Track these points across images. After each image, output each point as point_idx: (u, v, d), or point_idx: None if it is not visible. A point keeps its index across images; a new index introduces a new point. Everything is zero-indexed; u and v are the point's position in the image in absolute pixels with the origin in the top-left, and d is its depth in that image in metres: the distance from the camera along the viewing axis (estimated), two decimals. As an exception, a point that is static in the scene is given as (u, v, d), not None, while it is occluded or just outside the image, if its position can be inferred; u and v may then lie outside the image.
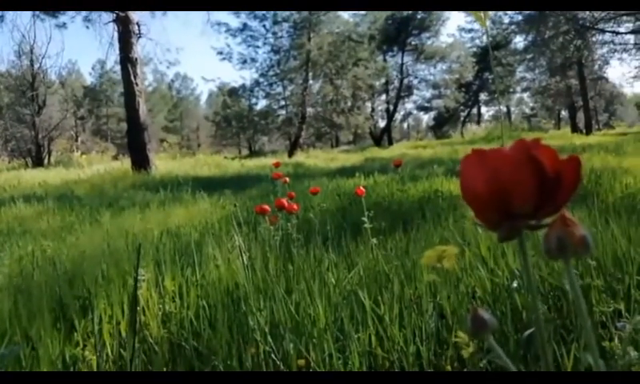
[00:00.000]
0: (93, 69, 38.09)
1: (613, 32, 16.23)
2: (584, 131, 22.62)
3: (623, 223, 1.88)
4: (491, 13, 19.45)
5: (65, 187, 8.04)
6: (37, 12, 12.78)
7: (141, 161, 10.93)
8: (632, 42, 16.77)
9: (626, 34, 16.20)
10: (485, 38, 22.98)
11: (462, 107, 33.89)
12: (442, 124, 35.20)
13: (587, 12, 16.02)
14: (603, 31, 16.18)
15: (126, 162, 13.19)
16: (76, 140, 30.09)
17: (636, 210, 2.42)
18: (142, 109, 11.24)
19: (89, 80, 38.92)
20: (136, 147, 11.25)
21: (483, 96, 34.76)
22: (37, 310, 1.52)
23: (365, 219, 2.02)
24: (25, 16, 37.00)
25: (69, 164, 17.79)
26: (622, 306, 1.28)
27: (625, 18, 15.26)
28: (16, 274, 2.21)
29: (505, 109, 37.95)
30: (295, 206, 2.14)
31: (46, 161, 22.71)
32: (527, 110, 39.25)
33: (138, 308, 1.51)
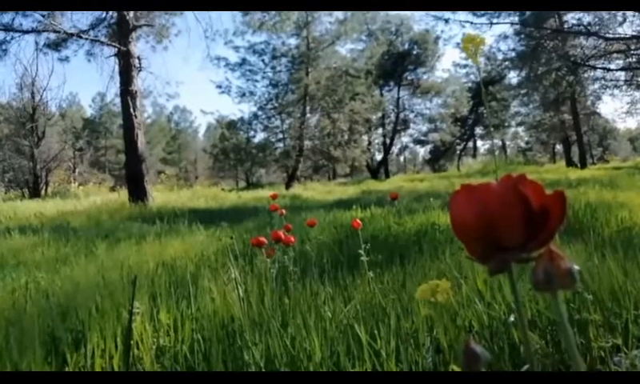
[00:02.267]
0: (93, 101, 38.58)
1: (604, 69, 16.60)
2: (579, 165, 22.84)
3: (619, 257, 1.88)
4: (485, 49, 19.94)
5: (61, 218, 8.01)
6: (40, 45, 13.02)
7: (138, 192, 10.93)
8: (622, 78, 17.15)
9: (616, 70, 16.58)
10: (479, 73, 23.46)
11: (457, 141, 34.28)
12: (438, 157, 35.51)
13: (578, 49, 16.45)
14: (594, 68, 16.56)
15: (123, 194, 13.19)
16: (74, 171, 30.15)
17: (632, 244, 2.43)
18: (141, 141, 11.32)
19: (89, 112, 39.34)
20: (134, 179, 11.28)
21: (479, 130, 35.23)
22: (28, 344, 1.50)
23: (361, 252, 2.02)
24: (28, 49, 37.66)
25: (66, 195, 17.77)
26: (619, 341, 1.27)
27: (615, 55, 15.64)
28: (8, 307, 2.18)
29: (500, 143, 38.40)
30: (292, 239, 2.14)
31: (43, 192, 22.68)
32: (522, 144, 39.69)
33: (132, 342, 1.49)
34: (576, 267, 0.36)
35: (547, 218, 0.35)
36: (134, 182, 11.22)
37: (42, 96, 24.09)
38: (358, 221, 2.30)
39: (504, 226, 0.34)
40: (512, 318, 1.34)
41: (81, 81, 65.69)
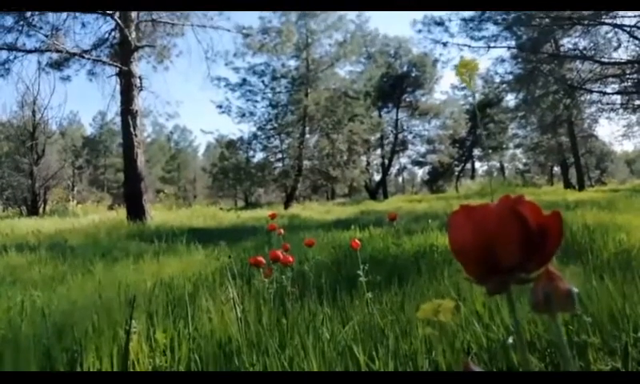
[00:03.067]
0: (93, 120, 38.82)
1: (600, 92, 16.79)
2: (576, 187, 22.90)
3: (618, 280, 1.88)
4: (483, 72, 20.15)
5: (58, 236, 7.97)
6: (42, 65, 13.15)
7: (136, 211, 10.92)
8: (619, 101, 17.32)
9: (612, 94, 16.76)
10: (477, 95, 23.72)
11: (455, 162, 34.44)
12: (437, 178, 35.62)
13: (574, 72, 16.65)
14: (590, 91, 16.74)
15: (121, 212, 13.16)
16: (72, 189, 30.12)
17: (630, 267, 2.42)
18: (140, 159, 11.36)
19: (89, 130, 39.54)
20: (132, 197, 11.28)
21: (477, 151, 35.42)
22: (23, 363, 1.48)
23: (360, 273, 2.01)
24: (30, 68, 37.97)
25: (64, 213, 17.72)
26: (619, 365, 1.26)
27: (610, 79, 15.83)
28: (3, 326, 2.16)
29: (498, 164, 38.60)
30: (290, 259, 2.14)
31: (41, 210, 22.62)
32: (520, 166, 39.93)
33: (128, 361, 1.48)
34: (575, 289, 0.37)
35: (545, 239, 0.35)
36: (133, 200, 11.22)
37: (42, 114, 24.22)
38: (357, 241, 2.30)
39: (502, 246, 0.34)
40: (510, 340, 1.34)
41: (82, 100, 66.23)
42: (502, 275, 0.36)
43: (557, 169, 33.67)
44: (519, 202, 0.36)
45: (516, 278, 0.37)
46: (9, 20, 11.34)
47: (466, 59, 1.03)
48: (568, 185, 25.03)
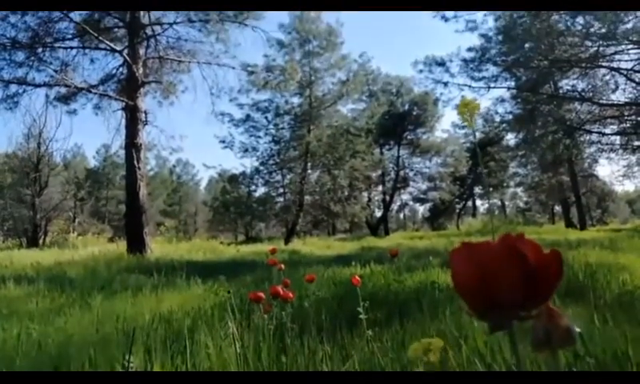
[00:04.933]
0: (97, 152, 39.12)
1: (599, 133, 16.97)
2: (578, 226, 22.83)
3: (621, 321, 1.86)
4: (483, 111, 20.43)
5: (57, 268, 7.92)
6: (50, 98, 13.40)
7: (137, 243, 10.89)
8: (618, 142, 17.48)
9: (611, 135, 16.94)
10: (477, 134, 23.98)
11: (457, 200, 34.49)
12: (438, 215, 35.60)
13: (574, 113, 16.88)
14: (590, 132, 16.93)
15: (121, 245, 13.12)
16: (73, 221, 30.11)
17: (634, 307, 2.40)
18: (142, 192, 11.41)
19: (92, 163, 39.82)
20: (133, 230, 11.27)
21: (478, 189, 35.52)
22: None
23: (360, 310, 2.00)
24: (38, 102, 38.63)
25: (64, 245, 17.66)
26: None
27: (609, 120, 16.04)
28: (-2, 358, 2.13)
29: (499, 202, 38.63)
30: (290, 294, 2.12)
31: (41, 241, 22.56)
32: (521, 204, 39.93)
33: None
34: (577, 329, 0.37)
35: (545, 277, 0.36)
36: (134, 232, 11.21)
37: (47, 146, 24.50)
38: (357, 277, 2.29)
39: (503, 284, 0.35)
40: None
41: (86, 132, 67.03)
42: (502, 312, 0.37)
43: (558, 208, 33.66)
44: (520, 241, 0.37)
45: (517, 315, 0.38)
46: (20, 55, 11.65)
47: (466, 99, 1.06)
48: (569, 224, 24.96)
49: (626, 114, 15.34)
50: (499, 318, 0.37)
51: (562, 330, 0.37)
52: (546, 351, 0.37)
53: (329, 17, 24.21)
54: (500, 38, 15.40)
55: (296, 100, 23.95)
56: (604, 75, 15.45)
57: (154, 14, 12.86)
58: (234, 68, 14.11)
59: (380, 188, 31.06)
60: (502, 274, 0.36)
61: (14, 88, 11.87)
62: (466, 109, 1.04)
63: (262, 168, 24.30)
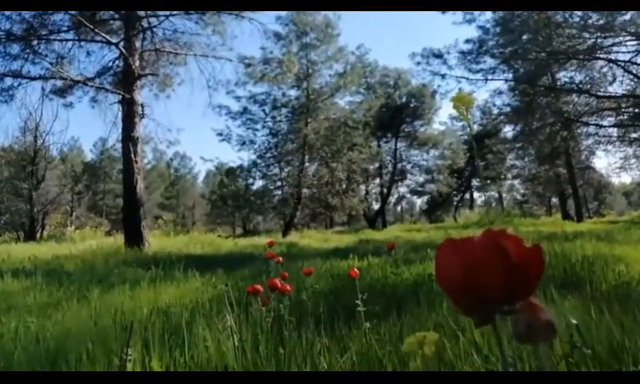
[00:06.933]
0: (94, 146, 39.05)
1: (596, 125, 17.00)
2: (575, 218, 22.91)
3: (617, 312, 1.87)
4: (481, 103, 20.42)
5: (55, 262, 7.92)
6: (46, 91, 13.32)
7: (134, 237, 10.88)
8: (615, 134, 17.52)
9: (608, 127, 16.96)
10: (475, 126, 23.96)
11: (454, 192, 34.54)
12: (435, 208, 35.67)
13: (571, 105, 16.89)
14: (587, 124, 16.95)
15: (119, 238, 13.10)
16: (71, 215, 30.06)
17: (630, 299, 2.41)
18: (140, 186, 11.38)
19: (89, 156, 39.71)
20: (131, 223, 11.25)
21: (475, 182, 35.56)
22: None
23: (358, 302, 2.00)
24: (34, 95, 38.36)
25: (61, 239, 17.64)
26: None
27: (607, 112, 16.06)
28: (-3, 352, 2.13)
29: (497, 194, 38.71)
30: (288, 287, 2.13)
31: (38, 235, 22.52)
32: (518, 197, 40.03)
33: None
34: (555, 319, 0.37)
35: (527, 271, 0.36)
36: (131, 226, 11.20)
37: (44, 140, 24.37)
38: (356, 270, 2.30)
39: (485, 278, 0.35)
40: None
41: (83, 126, 66.77)
42: (486, 306, 0.37)
43: (555, 200, 33.75)
44: (502, 236, 0.37)
45: (500, 310, 0.38)
46: (15, 48, 11.56)
47: (461, 93, 1.06)
48: (566, 216, 25.04)
49: (623, 106, 15.36)
50: (483, 312, 0.37)
51: (543, 323, 0.37)
52: (529, 343, 0.37)
53: (326, 9, 24.02)
54: (498, 29, 15.38)
55: (293, 92, 23.87)
56: (602, 67, 15.45)
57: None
58: (230, 60, 14.05)
59: (377, 181, 31.09)
60: (484, 269, 0.36)
61: (9, 81, 11.80)
62: (461, 103, 1.03)
63: (259, 161, 24.26)
